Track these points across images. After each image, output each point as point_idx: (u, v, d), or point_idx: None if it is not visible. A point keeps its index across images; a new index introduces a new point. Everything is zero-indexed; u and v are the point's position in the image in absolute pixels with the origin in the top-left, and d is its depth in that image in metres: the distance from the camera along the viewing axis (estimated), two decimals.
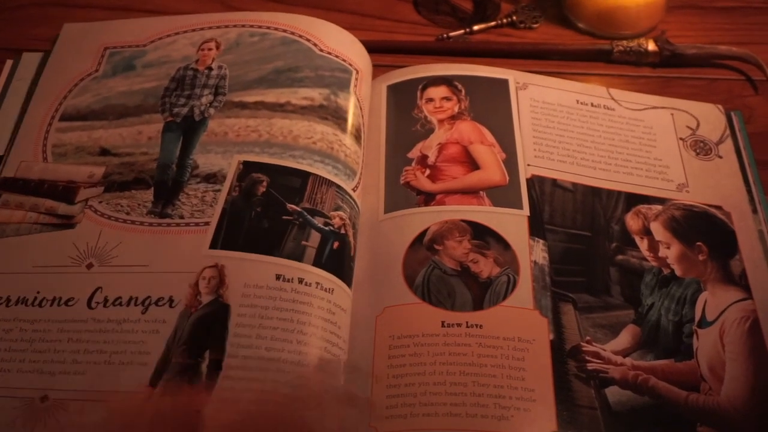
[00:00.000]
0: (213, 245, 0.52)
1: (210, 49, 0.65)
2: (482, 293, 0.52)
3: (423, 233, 0.55)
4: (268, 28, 0.66)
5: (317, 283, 0.51)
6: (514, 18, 0.74)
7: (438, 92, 0.64)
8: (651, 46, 0.70)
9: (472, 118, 0.63)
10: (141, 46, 0.67)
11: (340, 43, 0.65)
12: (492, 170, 0.59)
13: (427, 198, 0.58)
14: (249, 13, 0.68)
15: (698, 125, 0.64)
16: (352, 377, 0.49)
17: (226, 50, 0.65)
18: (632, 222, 0.57)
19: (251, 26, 0.66)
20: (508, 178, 0.59)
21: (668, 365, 0.50)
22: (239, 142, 0.59)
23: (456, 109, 0.63)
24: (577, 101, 0.66)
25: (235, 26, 0.67)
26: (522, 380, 0.48)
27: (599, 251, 0.56)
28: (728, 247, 0.56)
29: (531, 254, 0.54)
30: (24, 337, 0.50)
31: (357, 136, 0.61)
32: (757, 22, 0.75)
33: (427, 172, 0.59)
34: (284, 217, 0.54)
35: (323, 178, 0.56)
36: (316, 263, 0.52)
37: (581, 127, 0.64)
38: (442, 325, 0.50)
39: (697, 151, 0.63)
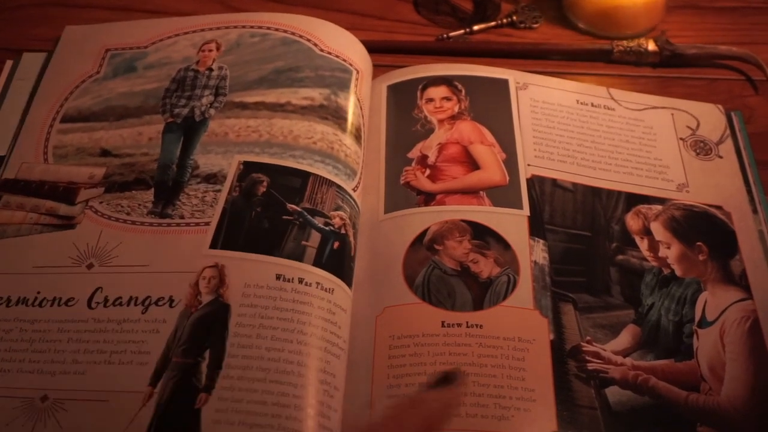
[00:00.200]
0: (213, 245, 0.52)
1: (210, 50, 0.65)
2: (482, 293, 0.52)
3: (423, 233, 0.55)
4: (269, 28, 0.66)
5: (317, 283, 0.51)
6: (514, 18, 0.74)
7: (438, 92, 0.64)
8: (651, 46, 0.70)
9: (472, 118, 0.63)
10: (142, 48, 0.67)
11: (341, 43, 0.65)
12: (492, 170, 0.59)
13: (427, 198, 0.58)
14: (249, 14, 0.68)
15: (698, 125, 0.64)
16: (353, 377, 0.49)
17: (227, 51, 0.65)
18: (632, 222, 0.57)
19: (251, 27, 0.66)
20: (508, 178, 0.59)
21: (668, 365, 0.50)
22: (239, 142, 0.59)
23: (456, 109, 0.63)
24: (577, 101, 0.66)
25: (235, 27, 0.67)
26: (522, 380, 0.48)
27: (599, 251, 0.56)
28: (728, 247, 0.56)
29: (531, 254, 0.54)
30: (24, 337, 0.50)
31: (357, 136, 0.61)
32: (757, 22, 0.75)
33: (427, 172, 0.59)
34: (284, 217, 0.54)
35: (323, 178, 0.56)
36: (317, 263, 0.52)
37: (581, 127, 0.64)
38: (443, 325, 0.50)
39: (697, 151, 0.63)
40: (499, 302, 0.52)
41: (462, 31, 0.73)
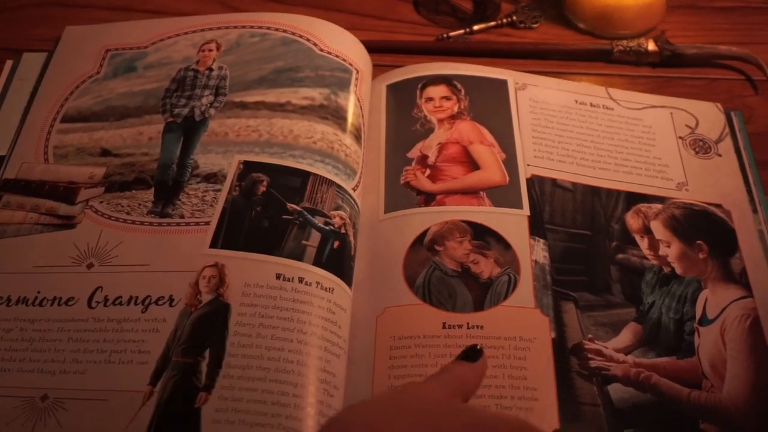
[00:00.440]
0: (213, 245, 0.52)
1: (210, 50, 0.65)
2: (483, 294, 0.52)
3: (423, 233, 0.55)
4: (269, 28, 0.66)
5: (317, 283, 0.51)
6: (514, 18, 0.74)
7: (437, 91, 0.64)
8: (651, 46, 0.70)
9: (472, 118, 0.63)
10: (142, 48, 0.67)
11: (340, 43, 0.65)
12: (492, 170, 0.59)
13: (428, 198, 0.58)
14: (249, 14, 0.68)
15: (697, 124, 0.64)
16: (353, 377, 0.49)
17: (227, 51, 0.65)
18: (632, 221, 0.57)
19: (251, 27, 0.66)
20: (508, 178, 0.59)
21: (670, 363, 0.50)
22: (239, 142, 0.59)
23: (455, 108, 0.63)
24: (576, 101, 0.66)
25: (235, 27, 0.67)
26: (524, 379, 0.48)
27: (600, 250, 0.56)
28: (728, 245, 0.56)
29: (532, 254, 0.54)
30: (24, 336, 0.50)
31: (357, 136, 0.61)
32: (757, 22, 0.75)
33: (427, 172, 0.59)
34: (284, 217, 0.54)
35: (323, 177, 0.56)
36: (317, 263, 0.52)
37: (580, 127, 0.64)
38: (443, 327, 0.50)
39: (697, 149, 0.63)
40: (500, 302, 0.52)
41: (462, 31, 0.73)
